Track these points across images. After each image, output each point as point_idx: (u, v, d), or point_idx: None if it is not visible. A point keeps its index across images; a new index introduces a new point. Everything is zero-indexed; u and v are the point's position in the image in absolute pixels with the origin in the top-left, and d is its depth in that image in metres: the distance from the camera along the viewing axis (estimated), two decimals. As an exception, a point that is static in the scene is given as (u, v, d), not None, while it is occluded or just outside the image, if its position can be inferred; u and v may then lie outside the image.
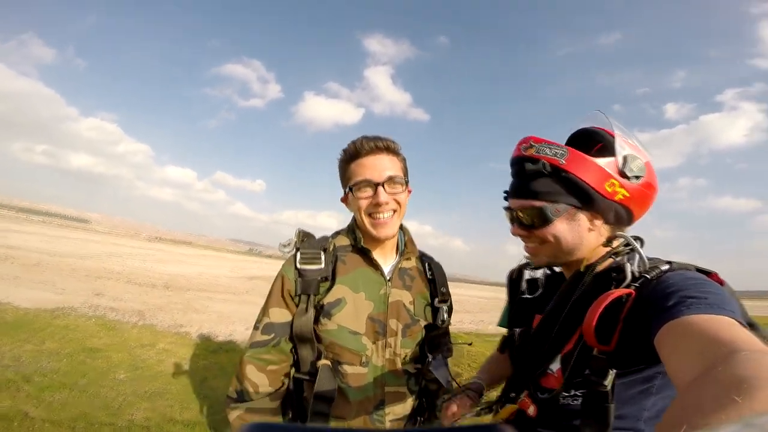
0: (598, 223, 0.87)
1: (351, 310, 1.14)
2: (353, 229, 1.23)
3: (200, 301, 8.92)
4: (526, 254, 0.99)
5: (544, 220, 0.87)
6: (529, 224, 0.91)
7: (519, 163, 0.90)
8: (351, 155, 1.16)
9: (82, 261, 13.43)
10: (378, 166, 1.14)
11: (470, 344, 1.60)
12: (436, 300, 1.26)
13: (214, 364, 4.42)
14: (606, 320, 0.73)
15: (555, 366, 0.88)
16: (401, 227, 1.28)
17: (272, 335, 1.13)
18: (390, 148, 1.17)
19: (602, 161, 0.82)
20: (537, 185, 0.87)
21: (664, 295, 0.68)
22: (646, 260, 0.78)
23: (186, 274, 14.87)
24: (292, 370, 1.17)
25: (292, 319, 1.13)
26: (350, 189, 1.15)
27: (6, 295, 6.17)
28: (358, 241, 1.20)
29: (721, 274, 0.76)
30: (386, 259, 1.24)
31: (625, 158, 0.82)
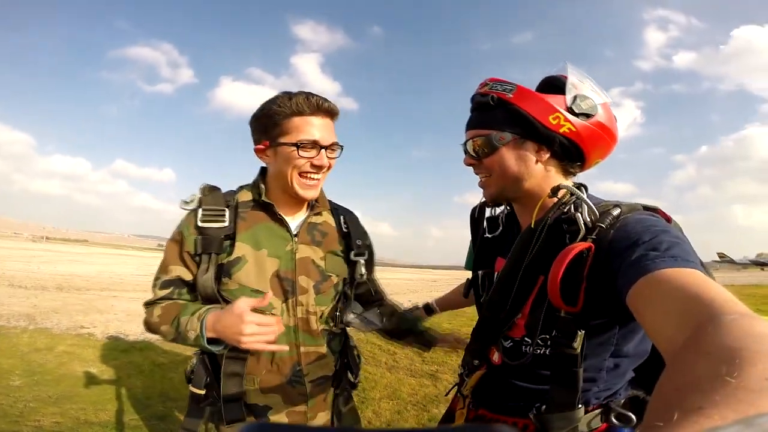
0: (545, 155, 0.90)
1: (252, 268, 1.11)
2: (257, 184, 1.18)
3: (103, 301, 8.04)
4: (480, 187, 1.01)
5: (491, 147, 0.91)
6: (477, 154, 0.94)
7: (473, 99, 0.96)
8: (298, 109, 1.08)
9: (-56, 264, 11.31)
10: (327, 129, 1.12)
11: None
12: (352, 253, 1.24)
13: (127, 364, 4.05)
14: (569, 279, 0.72)
15: (518, 316, 0.89)
16: None
17: (171, 288, 1.12)
18: (335, 113, 1.15)
19: (550, 97, 0.86)
20: (485, 116, 0.92)
21: (625, 247, 0.68)
22: (595, 209, 0.78)
23: (83, 275, 13.27)
24: None
25: (194, 279, 1.11)
26: (296, 146, 1.07)
27: None
28: (261, 194, 1.15)
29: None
30: (294, 214, 1.20)
31: (575, 97, 0.85)
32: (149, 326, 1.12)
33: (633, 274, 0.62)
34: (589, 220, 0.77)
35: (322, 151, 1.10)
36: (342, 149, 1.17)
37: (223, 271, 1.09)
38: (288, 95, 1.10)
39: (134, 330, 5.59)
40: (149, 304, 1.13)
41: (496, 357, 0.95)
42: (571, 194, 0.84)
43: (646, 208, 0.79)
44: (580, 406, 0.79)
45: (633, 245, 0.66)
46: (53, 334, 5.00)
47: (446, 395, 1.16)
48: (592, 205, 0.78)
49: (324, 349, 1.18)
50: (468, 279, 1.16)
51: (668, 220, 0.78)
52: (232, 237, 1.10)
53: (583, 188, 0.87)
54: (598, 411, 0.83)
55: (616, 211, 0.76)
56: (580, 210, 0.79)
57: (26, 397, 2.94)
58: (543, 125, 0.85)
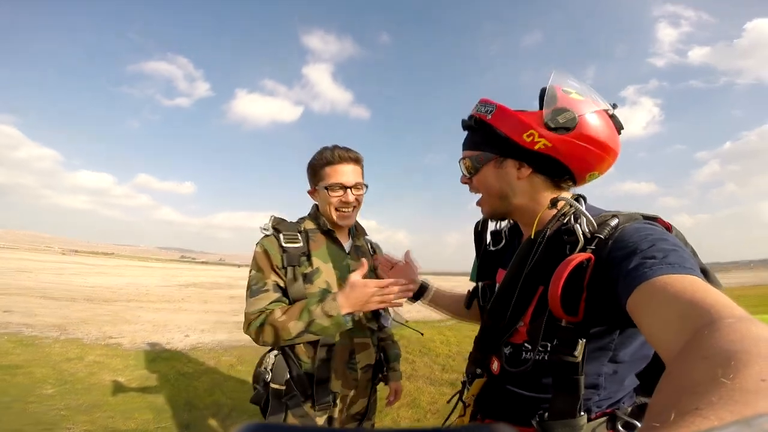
0: (527, 172, 0.90)
1: (325, 276, 1.43)
2: (317, 216, 1.53)
3: (130, 312, 8.27)
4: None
5: (474, 168, 0.97)
6: (470, 173, 0.99)
7: (462, 122, 1.01)
8: (328, 161, 1.43)
9: (-18, 277, 11.85)
10: (349, 173, 1.44)
11: (422, 334, 1.80)
12: (378, 270, 1.59)
13: (154, 373, 4.17)
14: (570, 290, 0.73)
15: (520, 324, 0.90)
16: None
17: (280, 293, 1.36)
18: (358, 160, 1.48)
19: (527, 114, 0.87)
20: (471, 138, 0.99)
21: (623, 256, 0.68)
22: (593, 220, 0.79)
23: (110, 286, 13.69)
24: None
25: (285, 285, 1.37)
26: (326, 188, 1.43)
27: None
28: (323, 225, 1.50)
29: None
30: (344, 239, 1.57)
31: (552, 111, 0.83)
32: (273, 327, 1.26)
33: (632, 282, 0.62)
34: (587, 230, 0.78)
35: (348, 190, 1.44)
36: (367, 187, 1.51)
37: (305, 279, 1.39)
38: (324, 150, 1.45)
39: (160, 340, 5.75)
40: (261, 312, 1.30)
41: (495, 366, 0.96)
42: (570, 206, 0.85)
43: (646, 217, 0.80)
44: (582, 413, 0.79)
45: (631, 254, 0.67)
46: (83, 344, 5.18)
47: (447, 402, 1.19)
48: (590, 216, 0.79)
49: (369, 341, 1.51)
50: (469, 290, 1.21)
51: (668, 228, 0.78)
52: (307, 254, 1.43)
53: (582, 199, 0.89)
54: (603, 419, 0.82)
55: (614, 222, 0.77)
56: (579, 221, 0.80)
57: (58, 405, 3.05)
58: (517, 143, 0.87)
